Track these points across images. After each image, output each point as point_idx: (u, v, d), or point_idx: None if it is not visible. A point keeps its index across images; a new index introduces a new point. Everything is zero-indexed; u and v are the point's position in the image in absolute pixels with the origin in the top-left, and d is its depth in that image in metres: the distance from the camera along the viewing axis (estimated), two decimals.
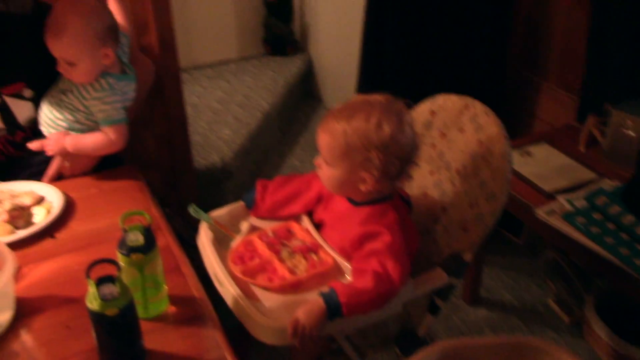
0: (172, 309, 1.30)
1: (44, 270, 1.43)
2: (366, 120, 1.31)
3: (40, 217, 1.58)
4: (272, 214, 1.59)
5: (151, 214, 1.58)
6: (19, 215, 1.57)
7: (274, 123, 3.36)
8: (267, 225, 1.56)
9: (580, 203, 1.94)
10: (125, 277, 1.21)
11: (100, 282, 1.11)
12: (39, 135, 1.77)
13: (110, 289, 1.09)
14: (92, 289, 1.09)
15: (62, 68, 1.63)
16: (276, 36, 3.73)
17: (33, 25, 1.62)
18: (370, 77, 2.54)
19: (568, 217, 1.89)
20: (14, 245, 1.48)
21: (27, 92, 1.74)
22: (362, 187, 1.37)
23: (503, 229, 2.68)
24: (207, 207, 1.60)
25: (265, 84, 3.45)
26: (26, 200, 1.63)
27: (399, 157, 1.33)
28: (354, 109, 1.34)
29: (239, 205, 1.61)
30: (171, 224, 1.59)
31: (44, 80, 1.71)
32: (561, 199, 1.97)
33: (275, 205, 1.57)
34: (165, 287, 1.30)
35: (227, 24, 3.71)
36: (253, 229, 1.56)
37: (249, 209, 1.60)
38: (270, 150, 3.32)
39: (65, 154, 1.73)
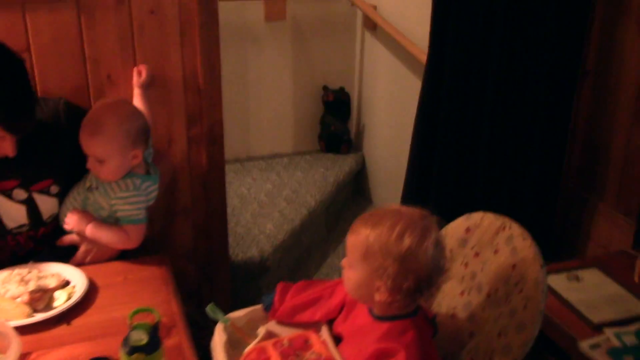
0: None
1: (53, 358, 1.40)
2: (390, 229, 1.29)
3: (60, 302, 1.58)
4: (290, 319, 1.53)
5: (170, 309, 1.56)
6: (40, 297, 1.57)
7: (320, 220, 3.33)
8: (286, 333, 1.50)
9: (630, 339, 1.79)
10: None
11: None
12: (59, 231, 1.81)
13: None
14: None
15: (91, 165, 1.70)
16: (331, 134, 3.77)
17: (65, 128, 1.72)
18: (417, 183, 2.49)
19: (614, 353, 1.74)
20: (29, 329, 1.47)
21: (54, 189, 1.81)
22: (377, 297, 1.32)
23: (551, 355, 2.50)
24: (241, 302, 1.56)
25: (315, 180, 3.46)
26: (51, 283, 1.63)
27: (415, 273, 1.28)
28: (382, 215, 1.33)
29: (259, 308, 1.56)
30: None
31: (70, 177, 1.78)
32: (609, 332, 1.82)
33: (294, 310, 1.52)
34: None
35: (285, 118, 3.79)
36: (270, 335, 1.50)
37: (266, 312, 1.55)
38: (313, 248, 3.28)
39: (85, 238, 1.76)
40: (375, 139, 3.72)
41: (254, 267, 2.72)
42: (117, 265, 1.77)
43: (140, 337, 1.18)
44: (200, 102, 2.10)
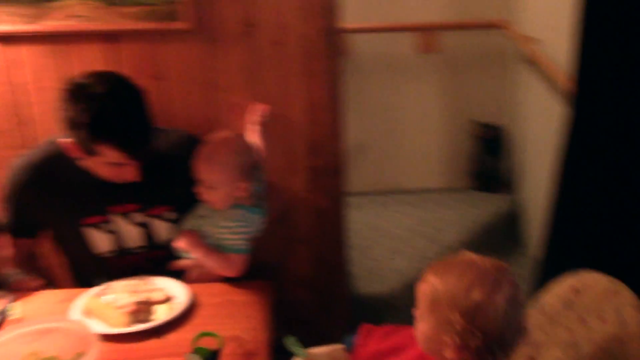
0: None
1: None
2: (458, 280, 1.20)
3: (159, 315, 1.65)
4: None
5: (257, 336, 1.56)
6: (143, 309, 1.65)
7: None
8: None
9: None
10: None
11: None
12: (173, 255, 1.89)
13: None
14: None
15: (201, 190, 1.78)
16: (483, 171, 3.60)
17: (184, 159, 1.80)
18: (561, 230, 2.27)
19: None
20: (123, 337, 1.56)
21: (170, 215, 1.92)
22: (446, 354, 1.21)
23: None
24: None
25: (461, 219, 3.31)
26: (157, 296, 1.72)
27: (484, 331, 1.16)
28: (454, 264, 1.25)
29: (340, 348, 1.51)
30: None
31: (186, 205, 1.87)
32: None
33: (375, 356, 1.45)
34: None
35: (434, 152, 3.69)
36: None
37: (348, 352, 1.49)
38: None
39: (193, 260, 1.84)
40: (531, 179, 3.47)
41: (379, 303, 2.65)
42: (221, 287, 1.81)
43: None
44: (321, 134, 2.11)
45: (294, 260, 2.28)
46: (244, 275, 1.84)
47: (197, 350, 1.23)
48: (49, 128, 1.92)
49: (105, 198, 1.86)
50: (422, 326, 1.26)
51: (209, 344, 1.28)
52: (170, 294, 1.74)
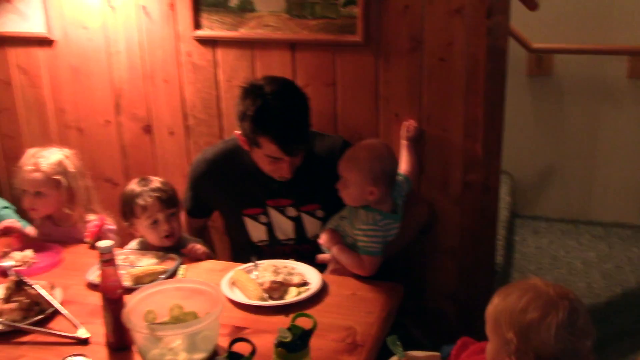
0: None
1: (262, 339, 1.64)
2: (517, 300, 1.24)
3: (291, 296, 1.84)
4: None
5: (368, 331, 1.68)
6: (278, 288, 1.86)
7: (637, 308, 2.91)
8: None
9: None
10: None
11: (230, 354, 1.28)
12: (319, 251, 2.07)
13: None
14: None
15: (339, 184, 1.94)
16: None
17: (336, 162, 1.97)
18: None
19: None
20: (254, 309, 1.78)
21: (320, 213, 2.12)
22: None
23: None
24: None
25: None
26: (295, 280, 1.91)
27: (536, 352, 1.18)
28: (517, 287, 1.29)
29: (437, 355, 1.56)
30: None
31: (334, 206, 2.03)
32: None
33: None
34: None
35: (631, 186, 3.42)
36: None
37: None
38: (624, 335, 2.88)
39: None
40: None
41: None
42: (354, 282, 1.94)
43: (285, 335, 1.35)
44: (477, 151, 2.14)
45: (439, 271, 2.33)
46: (381, 276, 1.96)
47: (291, 327, 1.39)
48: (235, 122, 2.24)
49: (264, 192, 2.12)
50: (489, 346, 1.30)
51: (304, 324, 1.42)
52: (307, 279, 1.93)
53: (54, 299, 1.81)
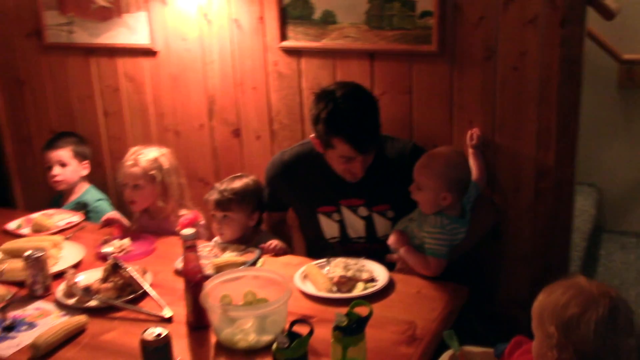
0: None
1: (322, 327, 1.76)
2: (560, 296, 1.28)
3: (357, 291, 1.94)
4: None
5: (428, 327, 1.75)
6: (345, 282, 1.97)
7: None
8: None
9: None
10: (332, 347, 1.47)
11: (289, 334, 1.40)
12: (389, 250, 2.16)
13: (284, 341, 1.38)
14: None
15: (413, 188, 2.04)
16: None
17: (407, 166, 2.08)
18: None
19: None
20: (320, 300, 1.90)
21: (390, 213, 2.23)
22: None
23: None
24: None
25: None
26: (363, 276, 2.01)
27: (576, 347, 1.21)
28: (561, 284, 1.31)
29: (491, 352, 1.61)
30: None
31: (405, 207, 2.12)
32: None
33: None
34: None
35: None
36: None
37: (496, 358, 1.58)
38: None
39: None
40: None
41: None
42: (419, 281, 2.02)
43: (342, 320, 1.46)
44: (550, 159, 2.16)
45: (511, 277, 2.35)
46: (448, 278, 2.02)
47: (348, 313, 1.49)
48: None
49: (337, 192, 2.24)
50: (534, 341, 1.34)
51: (361, 311, 1.52)
52: (375, 276, 2.02)
53: (145, 282, 2.01)
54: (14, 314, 1.92)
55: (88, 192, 2.94)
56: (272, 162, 2.37)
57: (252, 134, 2.66)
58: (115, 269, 2.03)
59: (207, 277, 1.84)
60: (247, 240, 2.33)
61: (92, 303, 1.93)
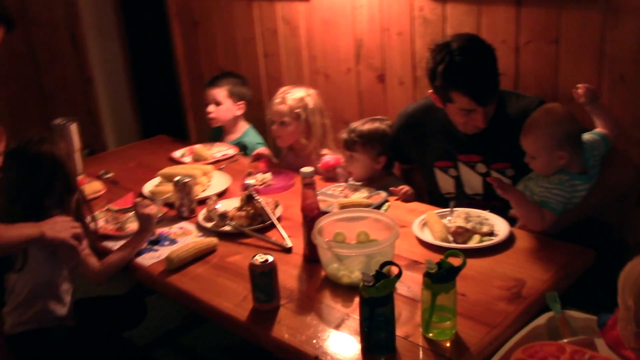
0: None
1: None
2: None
3: (472, 243, 1.93)
4: (616, 347, 1.45)
5: (537, 285, 1.70)
6: (462, 233, 1.96)
7: None
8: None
9: None
10: (422, 293, 1.51)
11: (377, 273, 1.46)
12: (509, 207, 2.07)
13: (369, 279, 1.43)
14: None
15: (527, 158, 1.96)
16: None
17: None
18: None
19: None
20: (434, 248, 1.92)
21: (510, 172, 2.15)
22: (631, 342, 1.22)
23: None
24: None
25: None
26: (483, 229, 1.99)
27: None
28: None
29: (594, 319, 1.53)
30: None
31: (523, 167, 2.02)
32: None
33: (618, 341, 1.44)
34: (453, 324, 1.51)
35: None
36: (587, 343, 1.48)
37: (599, 328, 1.51)
38: None
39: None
40: None
41: None
42: (540, 239, 1.93)
43: (432, 267, 1.47)
44: None
45: None
46: (573, 239, 1.92)
47: (441, 261, 1.50)
48: None
49: (456, 147, 2.21)
50: (619, 313, 1.26)
51: (454, 261, 1.52)
52: (495, 231, 1.99)
53: (274, 214, 2.17)
54: (161, 230, 2.19)
55: (248, 134, 3.14)
56: (399, 115, 2.40)
57: (395, 79, 2.68)
58: (249, 199, 2.21)
59: (323, 214, 1.94)
60: (375, 182, 2.39)
61: (226, 228, 2.13)
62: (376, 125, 2.40)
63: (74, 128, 2.80)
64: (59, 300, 1.99)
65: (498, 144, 2.14)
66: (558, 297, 1.59)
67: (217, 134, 3.21)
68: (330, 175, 2.57)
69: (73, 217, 1.98)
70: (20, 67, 4.02)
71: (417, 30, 2.53)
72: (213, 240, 2.04)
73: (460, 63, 2.01)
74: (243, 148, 3.05)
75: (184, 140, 3.44)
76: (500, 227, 1.99)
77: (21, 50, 3.86)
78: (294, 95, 2.63)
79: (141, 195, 2.46)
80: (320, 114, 2.66)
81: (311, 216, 1.90)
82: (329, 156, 2.63)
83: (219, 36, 3.34)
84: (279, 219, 2.18)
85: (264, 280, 1.66)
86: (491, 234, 1.97)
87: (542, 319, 1.56)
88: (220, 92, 3.06)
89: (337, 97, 2.91)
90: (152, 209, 2.06)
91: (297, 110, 2.61)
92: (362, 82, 2.80)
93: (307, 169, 1.89)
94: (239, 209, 2.20)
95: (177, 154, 2.93)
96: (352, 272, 1.75)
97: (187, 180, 2.27)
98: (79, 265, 1.97)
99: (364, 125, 2.41)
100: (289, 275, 1.85)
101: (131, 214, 2.23)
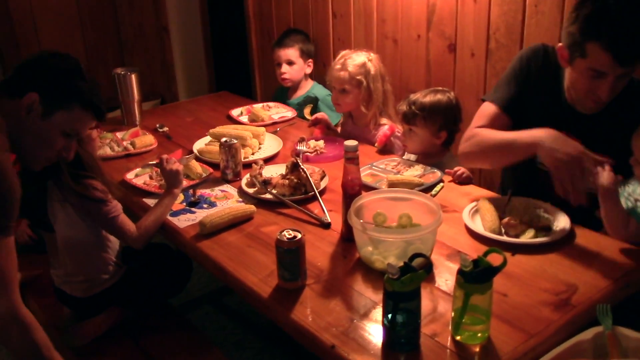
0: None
1: None
2: None
3: (524, 238, 1.75)
4: None
5: (587, 294, 1.53)
6: (515, 226, 1.80)
7: None
8: None
9: None
10: (455, 290, 1.37)
11: (405, 265, 1.33)
12: None
13: (395, 271, 1.31)
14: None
15: (632, 160, 1.70)
16: None
17: None
18: None
19: None
20: (482, 239, 1.77)
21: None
22: None
23: None
24: None
25: None
26: (541, 222, 1.81)
27: None
28: None
29: None
30: None
31: (625, 167, 1.73)
32: None
33: None
34: (486, 328, 1.37)
35: None
36: None
37: None
38: None
39: None
40: None
41: None
42: (608, 242, 1.74)
43: (466, 264, 1.33)
44: None
45: None
46: None
47: (478, 259, 1.35)
48: None
49: (557, 119, 1.88)
50: None
51: (494, 259, 1.37)
52: (553, 226, 1.80)
53: (318, 186, 2.06)
54: (202, 191, 2.13)
55: (315, 87, 3.07)
56: (531, 48, 1.99)
57: (467, 50, 2.48)
58: (294, 167, 2.11)
59: (368, 189, 1.81)
60: (431, 157, 2.24)
61: (267, 195, 2.05)
62: (438, 97, 2.22)
63: (134, 78, 2.79)
64: (102, 256, 1.98)
65: (607, 131, 1.86)
66: (610, 311, 1.42)
67: (281, 94, 3.13)
68: (387, 147, 2.44)
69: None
70: (100, 13, 4.06)
71: None
72: (250, 207, 1.96)
73: (612, 9, 1.69)
74: (313, 100, 2.98)
75: (247, 98, 3.38)
76: (561, 222, 1.81)
77: None
78: (355, 61, 2.49)
79: (189, 152, 2.42)
80: (382, 80, 2.51)
81: (351, 193, 1.78)
82: (386, 127, 2.49)
83: None
84: (323, 191, 2.07)
85: (289, 258, 1.57)
86: (548, 228, 1.79)
87: (588, 334, 1.39)
88: (292, 52, 2.99)
89: (404, 65, 2.74)
90: (178, 165, 2.00)
91: (359, 77, 2.47)
92: (432, 51, 2.62)
93: (350, 142, 1.76)
94: (284, 176, 2.11)
95: (234, 112, 2.87)
96: (387, 258, 1.63)
97: (233, 142, 2.19)
98: (115, 231, 1.93)
99: (425, 97, 2.23)
100: (322, 252, 1.75)
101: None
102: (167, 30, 4.21)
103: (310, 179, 2.06)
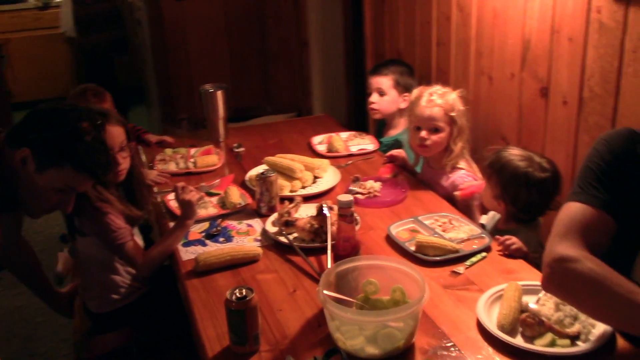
0: None
1: None
2: None
3: (539, 344, 1.41)
4: None
5: None
6: (533, 325, 1.45)
7: None
8: None
9: None
10: None
11: None
12: None
13: None
14: None
15: None
16: None
17: None
18: None
19: None
20: (490, 337, 1.45)
21: None
22: None
23: None
24: None
25: None
26: (570, 328, 1.45)
27: None
28: None
29: None
30: None
31: None
32: None
33: None
34: None
35: None
36: None
37: None
38: None
39: None
40: None
41: None
42: None
43: None
44: None
45: None
46: None
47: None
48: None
49: None
50: None
51: None
52: (588, 335, 1.43)
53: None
54: (229, 222, 2.04)
55: (407, 132, 2.78)
56: (617, 134, 1.44)
57: (559, 96, 2.09)
58: (320, 211, 1.93)
59: (355, 253, 1.59)
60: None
61: (281, 238, 1.90)
62: (521, 165, 1.89)
63: (220, 95, 2.78)
64: (111, 278, 1.97)
65: None
66: None
67: (380, 129, 2.91)
68: (467, 203, 2.14)
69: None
70: (246, 24, 4.18)
71: (591, 37, 1.90)
72: (256, 250, 1.83)
73: None
74: (399, 146, 2.71)
75: (344, 125, 3.17)
76: (600, 333, 1.41)
77: (249, 8, 4.00)
78: (447, 96, 2.21)
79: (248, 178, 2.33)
80: (466, 118, 2.23)
81: (342, 254, 1.58)
82: (466, 178, 2.19)
83: (401, 18, 3.00)
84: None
85: (236, 319, 1.41)
86: (576, 337, 1.42)
87: None
88: (385, 81, 2.71)
89: (496, 106, 2.40)
90: (194, 195, 1.92)
91: (452, 114, 2.19)
92: (524, 93, 2.25)
93: (344, 197, 1.56)
94: (308, 220, 1.94)
95: (315, 140, 2.73)
96: (351, 339, 1.40)
97: (269, 175, 2.07)
98: (122, 257, 1.91)
99: (511, 157, 1.91)
100: (299, 315, 1.56)
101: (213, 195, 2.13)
102: (307, 45, 4.19)
103: (330, 227, 1.86)
